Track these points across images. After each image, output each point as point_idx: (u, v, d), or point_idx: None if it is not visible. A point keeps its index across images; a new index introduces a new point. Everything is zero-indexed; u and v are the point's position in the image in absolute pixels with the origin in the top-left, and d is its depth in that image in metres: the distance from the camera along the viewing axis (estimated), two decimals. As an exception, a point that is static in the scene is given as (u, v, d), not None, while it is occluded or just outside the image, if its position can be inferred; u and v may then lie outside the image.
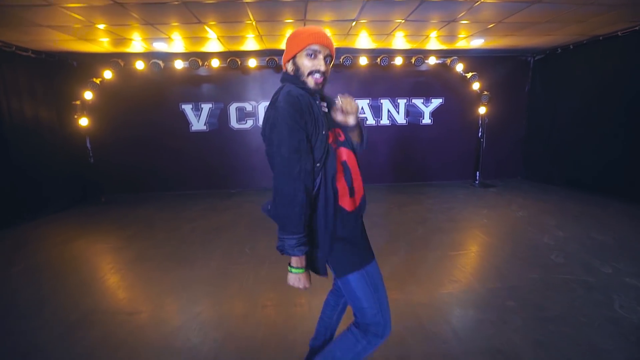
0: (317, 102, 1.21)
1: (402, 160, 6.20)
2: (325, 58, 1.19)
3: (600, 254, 2.92)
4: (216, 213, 4.69)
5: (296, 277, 1.17)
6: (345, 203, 1.21)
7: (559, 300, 2.24)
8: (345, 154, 1.26)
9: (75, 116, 5.29)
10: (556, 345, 1.82)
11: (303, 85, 1.19)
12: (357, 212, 1.26)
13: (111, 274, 2.89)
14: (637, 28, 4.19)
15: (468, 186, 5.95)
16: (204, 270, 2.90)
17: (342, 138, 1.28)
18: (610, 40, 4.59)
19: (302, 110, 1.10)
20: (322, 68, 1.18)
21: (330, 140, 1.21)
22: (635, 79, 4.34)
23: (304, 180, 1.09)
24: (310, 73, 1.17)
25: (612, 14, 3.71)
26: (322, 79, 1.19)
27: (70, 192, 5.44)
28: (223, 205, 5.12)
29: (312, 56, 1.17)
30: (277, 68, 5.52)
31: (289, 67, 1.23)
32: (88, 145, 5.55)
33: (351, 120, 1.23)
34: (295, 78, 1.21)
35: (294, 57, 1.21)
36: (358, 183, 1.28)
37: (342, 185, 1.21)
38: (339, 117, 1.23)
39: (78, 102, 5.25)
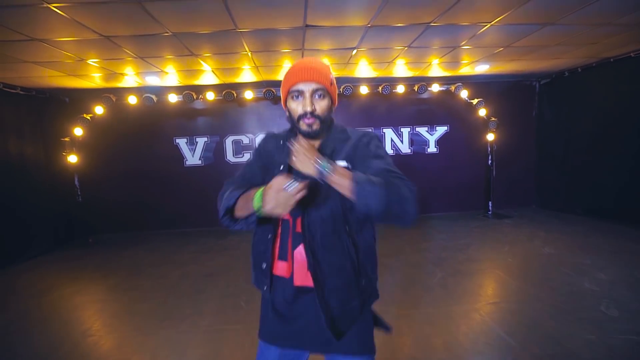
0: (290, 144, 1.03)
1: (409, 191, 5.84)
2: (313, 94, 1.00)
3: (655, 301, 2.49)
4: (210, 256, 4.27)
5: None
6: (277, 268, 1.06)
7: (628, 371, 1.80)
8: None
9: (64, 153, 5.02)
10: None
11: (299, 131, 1.05)
12: (293, 284, 1.03)
13: (87, 336, 2.45)
14: (650, 49, 4.02)
15: (481, 217, 5.55)
16: (191, 331, 2.45)
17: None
18: (622, 62, 4.41)
19: (258, 150, 1.17)
20: (309, 108, 0.99)
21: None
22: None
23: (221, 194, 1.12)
24: (299, 118, 1.02)
25: (625, 34, 3.53)
26: (313, 120, 1.00)
27: (56, 233, 5.07)
28: (218, 245, 4.70)
29: (297, 97, 1.02)
30: (275, 99, 5.33)
31: (286, 113, 1.09)
32: (76, 183, 5.23)
33: (301, 166, 0.94)
34: (292, 123, 1.08)
35: (286, 102, 1.07)
36: (300, 252, 1.01)
37: (278, 245, 1.06)
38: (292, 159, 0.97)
39: (67, 139, 5.00)
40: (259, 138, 0.94)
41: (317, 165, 0.91)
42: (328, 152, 1.04)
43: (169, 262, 4.06)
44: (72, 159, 5.08)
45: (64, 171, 5.14)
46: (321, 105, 1.02)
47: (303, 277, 1.01)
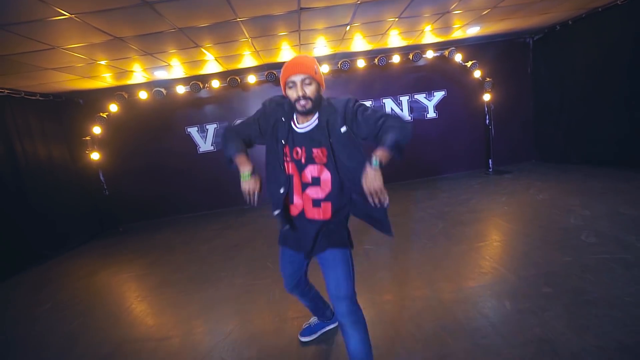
0: (290, 121, 1.46)
1: (412, 157, 6.11)
2: (303, 82, 1.35)
3: (633, 228, 2.80)
4: (233, 230, 4.70)
5: None
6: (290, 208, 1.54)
7: (598, 281, 2.15)
8: (291, 168, 1.47)
9: (87, 151, 5.42)
10: (603, 329, 1.73)
11: (296, 111, 1.41)
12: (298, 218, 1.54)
13: (137, 302, 2.89)
14: (636, -5, 4.11)
15: (482, 175, 5.84)
16: (228, 289, 2.88)
17: (297, 157, 1.44)
18: (610, 10, 4.50)
19: (264, 112, 1.54)
20: (301, 93, 1.35)
21: (287, 151, 1.45)
22: (638, 48, 4.22)
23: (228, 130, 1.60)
24: (295, 101, 1.37)
25: (609, -17, 3.65)
26: (305, 101, 1.36)
27: (88, 226, 5.54)
28: (238, 222, 5.12)
29: (292, 87, 1.37)
30: (277, 81, 5.56)
31: (287, 98, 1.45)
32: (101, 178, 5.66)
33: (370, 182, 1.25)
34: (291, 106, 1.43)
35: (285, 91, 1.42)
36: (298, 198, 1.49)
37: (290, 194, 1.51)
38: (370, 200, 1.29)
39: (88, 138, 5.38)
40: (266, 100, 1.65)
41: (377, 170, 1.25)
42: (324, 124, 1.39)
43: (197, 240, 4.51)
44: (95, 156, 5.47)
45: (88, 168, 5.55)
46: (310, 89, 1.36)
47: (312, 212, 1.48)
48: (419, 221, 3.86)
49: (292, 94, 1.37)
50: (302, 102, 1.35)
